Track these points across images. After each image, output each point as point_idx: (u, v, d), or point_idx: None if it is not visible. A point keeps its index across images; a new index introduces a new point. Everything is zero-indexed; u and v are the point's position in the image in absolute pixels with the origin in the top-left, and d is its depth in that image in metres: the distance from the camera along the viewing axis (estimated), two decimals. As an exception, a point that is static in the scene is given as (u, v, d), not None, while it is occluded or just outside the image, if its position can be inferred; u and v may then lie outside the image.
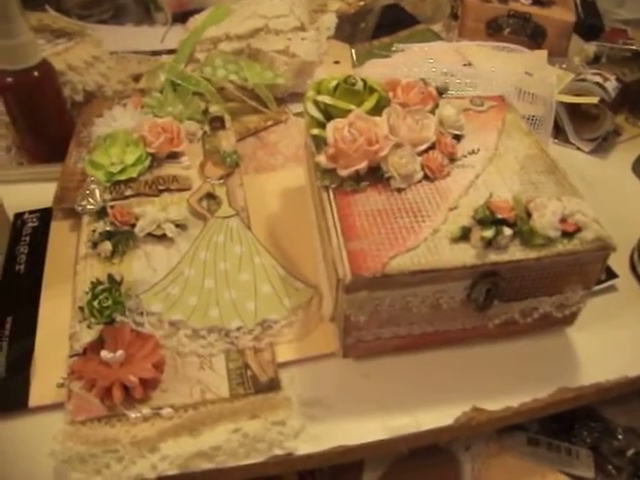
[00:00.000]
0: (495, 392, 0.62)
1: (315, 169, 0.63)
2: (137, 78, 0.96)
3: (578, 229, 0.57)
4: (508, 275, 0.57)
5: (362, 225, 0.57)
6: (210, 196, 0.76)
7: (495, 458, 0.79)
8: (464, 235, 0.56)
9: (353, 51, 1.02)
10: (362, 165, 0.60)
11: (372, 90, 0.65)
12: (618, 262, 0.73)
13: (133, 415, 0.57)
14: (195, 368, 0.61)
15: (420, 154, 0.63)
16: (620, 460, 0.82)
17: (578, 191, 0.61)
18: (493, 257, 0.55)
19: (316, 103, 0.64)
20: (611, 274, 0.72)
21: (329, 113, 0.64)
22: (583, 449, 0.81)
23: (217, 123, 0.86)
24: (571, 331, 0.67)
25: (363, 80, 0.64)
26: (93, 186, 0.75)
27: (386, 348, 0.62)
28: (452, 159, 0.64)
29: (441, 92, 0.69)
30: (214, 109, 0.87)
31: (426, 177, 0.63)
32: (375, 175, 0.62)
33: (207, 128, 0.85)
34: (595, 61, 1.05)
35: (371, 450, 0.60)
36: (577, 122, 0.94)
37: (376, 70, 0.91)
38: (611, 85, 0.92)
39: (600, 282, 0.70)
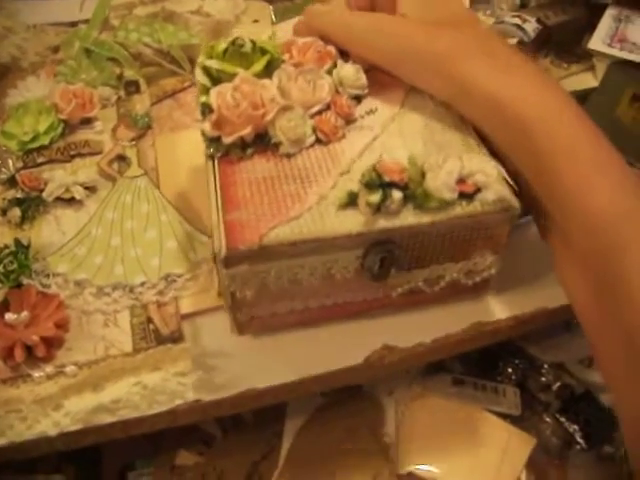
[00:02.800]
0: (407, 330, 0.62)
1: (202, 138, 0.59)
2: (56, 49, 0.94)
3: (478, 190, 0.52)
4: (404, 242, 0.53)
5: (244, 195, 0.53)
6: (121, 158, 0.75)
7: (419, 400, 0.79)
8: (351, 201, 0.52)
9: (271, 8, 1.00)
10: (246, 131, 0.56)
11: (264, 51, 0.60)
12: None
13: (37, 374, 0.57)
14: (100, 325, 0.61)
15: (313, 116, 0.59)
16: (546, 395, 0.82)
17: (484, 149, 0.56)
18: (383, 223, 0.51)
19: (206, 69, 0.60)
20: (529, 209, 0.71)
21: (220, 79, 0.59)
22: (510, 387, 0.82)
23: (132, 87, 0.85)
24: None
25: (252, 41, 0.60)
26: (5, 155, 0.74)
27: (285, 323, 0.60)
28: (349, 120, 0.60)
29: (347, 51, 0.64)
30: (129, 74, 0.86)
31: (319, 141, 0.58)
32: (263, 141, 0.57)
33: (122, 93, 0.84)
34: (522, 7, 1.04)
35: (282, 393, 0.60)
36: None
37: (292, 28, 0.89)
38: (530, 27, 0.91)
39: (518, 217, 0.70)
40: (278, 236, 0.49)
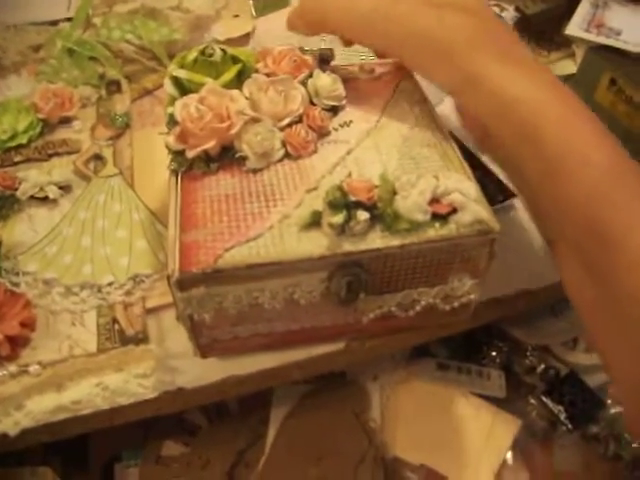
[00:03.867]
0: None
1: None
2: (38, 48, 0.92)
3: (454, 210, 0.46)
4: (372, 266, 0.48)
5: (204, 213, 0.48)
6: (97, 157, 0.73)
7: (404, 384, 0.77)
8: (315, 221, 0.47)
9: (251, 3, 0.97)
10: (210, 145, 0.51)
11: (236, 60, 0.55)
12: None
13: (0, 373, 0.55)
14: (67, 325, 0.59)
15: (283, 129, 0.54)
16: (531, 378, 0.80)
17: (465, 166, 0.51)
18: (347, 246, 0.46)
19: (175, 79, 0.55)
20: (510, 193, 0.68)
21: (191, 89, 0.54)
22: (494, 370, 0.79)
23: (113, 87, 0.83)
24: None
25: (223, 50, 0.55)
26: (-18, 154, 0.73)
27: (249, 347, 0.55)
28: (322, 134, 0.55)
29: (327, 59, 0.60)
30: (111, 73, 0.84)
31: (289, 155, 0.53)
32: (229, 155, 0.53)
33: (103, 92, 0.82)
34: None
35: (264, 379, 0.58)
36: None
37: (272, 23, 0.87)
38: (509, 15, 0.91)
39: (499, 202, 0.67)
40: (234, 258, 0.45)
